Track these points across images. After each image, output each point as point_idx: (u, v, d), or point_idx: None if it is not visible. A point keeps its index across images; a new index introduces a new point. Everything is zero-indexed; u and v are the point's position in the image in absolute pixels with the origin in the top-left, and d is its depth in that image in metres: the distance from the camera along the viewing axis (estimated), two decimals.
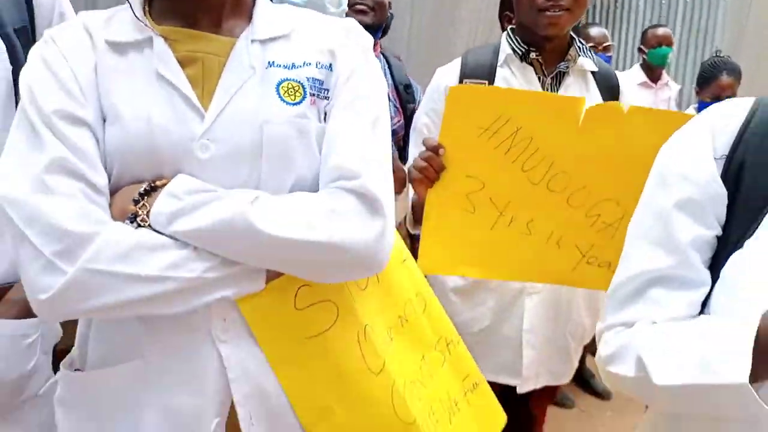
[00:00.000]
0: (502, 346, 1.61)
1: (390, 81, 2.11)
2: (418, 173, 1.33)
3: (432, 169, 1.32)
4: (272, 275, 0.83)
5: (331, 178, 0.83)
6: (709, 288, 0.73)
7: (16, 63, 1.10)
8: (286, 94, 0.85)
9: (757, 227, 0.70)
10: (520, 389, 1.62)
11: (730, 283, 0.70)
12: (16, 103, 1.10)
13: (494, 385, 1.63)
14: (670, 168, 0.76)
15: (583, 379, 3.22)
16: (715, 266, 0.73)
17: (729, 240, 0.72)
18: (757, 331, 0.60)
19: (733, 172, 0.73)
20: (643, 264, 0.76)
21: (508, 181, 1.31)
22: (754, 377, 0.60)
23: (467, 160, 1.32)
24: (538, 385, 1.63)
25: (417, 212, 1.50)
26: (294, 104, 0.85)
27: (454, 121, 1.30)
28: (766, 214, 0.70)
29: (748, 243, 0.70)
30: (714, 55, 3.52)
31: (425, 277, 1.70)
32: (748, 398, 0.60)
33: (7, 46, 1.09)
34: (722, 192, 0.73)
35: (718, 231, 0.74)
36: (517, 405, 1.77)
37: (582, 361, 3.08)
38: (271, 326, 0.84)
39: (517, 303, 1.58)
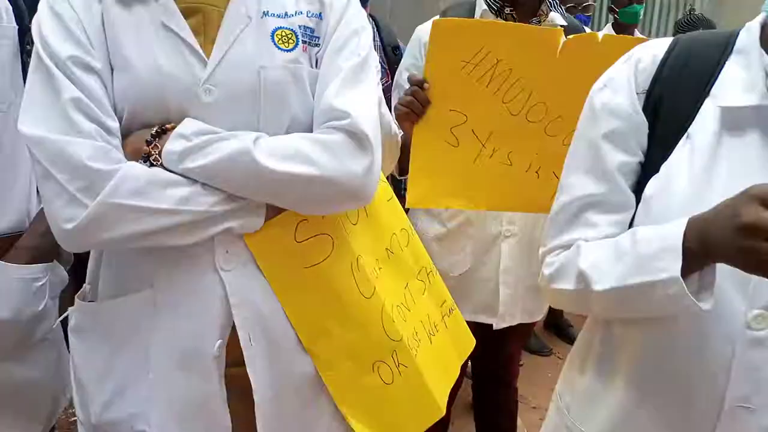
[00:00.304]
0: (480, 288, 1.72)
1: (378, 43, 2.17)
2: (404, 108, 1.39)
3: (418, 103, 1.38)
4: (272, 212, 0.91)
5: (324, 119, 0.91)
6: (634, 209, 0.83)
7: (21, 23, 1.15)
8: (281, 41, 0.92)
9: (671, 153, 0.80)
10: (497, 326, 1.73)
11: (649, 204, 0.80)
12: (22, 61, 1.16)
13: (473, 325, 1.76)
14: (599, 103, 0.86)
15: (561, 329, 3.39)
16: (640, 190, 0.83)
17: (650, 166, 0.82)
18: (685, 231, 0.70)
19: (652, 104, 0.82)
20: (578, 191, 0.85)
21: (489, 114, 1.37)
22: (683, 273, 0.69)
23: (450, 94, 1.38)
24: (514, 322, 1.74)
25: (403, 156, 1.56)
26: (288, 51, 0.93)
27: (438, 55, 1.36)
28: (678, 141, 0.79)
29: (663, 167, 0.80)
30: (687, 13, 3.58)
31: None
32: (679, 292, 0.69)
33: (12, 7, 1.14)
34: (643, 123, 0.82)
35: (641, 158, 0.83)
36: (495, 344, 1.90)
37: (560, 312, 3.25)
38: (274, 257, 0.93)
39: (494, 247, 1.68)
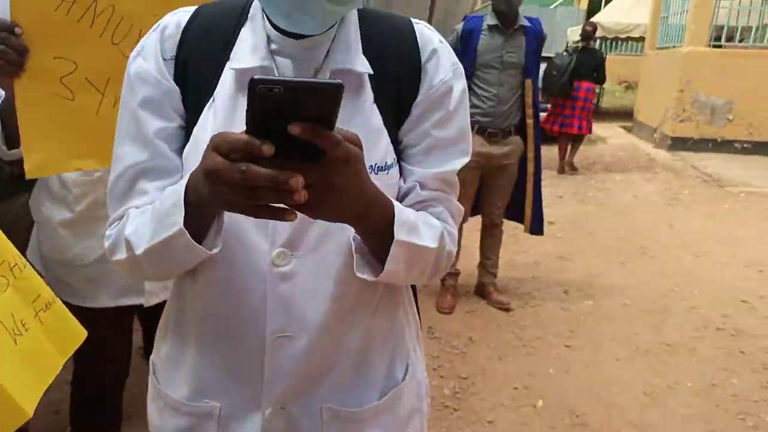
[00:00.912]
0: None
1: None
2: None
3: (12, 52, 1.20)
4: None
5: None
6: (181, 173, 0.84)
7: None
8: None
9: (199, 118, 0.83)
10: (147, 303, 1.67)
11: (187, 165, 0.83)
12: None
13: (123, 309, 1.68)
14: (133, 71, 0.85)
15: None
16: None
17: (188, 130, 0.84)
18: (187, 185, 0.73)
19: (181, 70, 0.84)
20: (127, 161, 0.85)
21: (101, 58, 1.24)
22: (199, 223, 0.74)
23: (51, 39, 1.22)
24: (164, 297, 1.71)
25: (11, 121, 1.33)
26: None
27: None
28: (206, 104, 0.83)
29: (194, 130, 0.83)
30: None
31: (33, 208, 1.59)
32: (188, 242, 0.73)
33: None
34: (174, 89, 0.84)
35: (180, 123, 0.85)
36: (152, 324, 1.84)
37: None
38: None
39: None
